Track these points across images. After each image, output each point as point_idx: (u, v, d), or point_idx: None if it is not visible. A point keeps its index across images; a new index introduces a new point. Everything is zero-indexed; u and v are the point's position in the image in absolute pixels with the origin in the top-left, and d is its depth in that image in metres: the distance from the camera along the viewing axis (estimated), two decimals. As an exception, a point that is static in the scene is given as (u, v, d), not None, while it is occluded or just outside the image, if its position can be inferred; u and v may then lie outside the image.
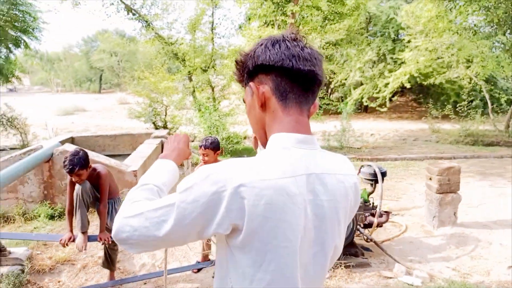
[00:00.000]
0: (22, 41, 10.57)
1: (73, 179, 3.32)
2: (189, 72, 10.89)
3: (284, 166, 0.92)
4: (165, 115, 11.33)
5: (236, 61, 1.06)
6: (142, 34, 11.53)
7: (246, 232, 0.89)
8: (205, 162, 3.68)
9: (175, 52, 11.03)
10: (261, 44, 0.99)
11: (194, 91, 10.89)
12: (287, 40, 0.97)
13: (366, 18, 18.89)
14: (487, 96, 12.05)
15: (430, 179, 4.80)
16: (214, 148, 3.68)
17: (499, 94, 12.95)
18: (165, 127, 11.14)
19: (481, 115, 11.88)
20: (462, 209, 4.97)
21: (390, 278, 3.70)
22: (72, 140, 8.05)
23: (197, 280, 3.82)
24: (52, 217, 5.18)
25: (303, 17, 11.01)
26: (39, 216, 5.12)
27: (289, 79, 0.96)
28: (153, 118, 11.06)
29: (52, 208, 5.23)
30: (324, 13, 10.85)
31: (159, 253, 4.32)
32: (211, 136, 3.80)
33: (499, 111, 12.44)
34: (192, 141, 11.09)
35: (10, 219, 5.13)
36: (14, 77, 10.50)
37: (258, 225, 0.88)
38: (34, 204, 5.28)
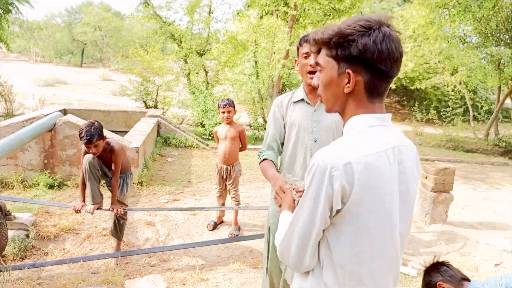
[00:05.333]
0: (14, 6, 10.17)
1: (90, 151, 3.32)
2: (185, 54, 10.80)
3: (376, 141, 1.09)
4: (157, 95, 11.23)
5: (328, 37, 1.11)
6: (139, 11, 11.33)
7: (352, 201, 1.04)
8: (228, 118, 4.27)
9: (172, 33, 10.91)
10: (368, 34, 1.05)
11: (189, 74, 10.82)
12: (392, 39, 1.05)
13: (359, 17, 19.14)
14: (469, 104, 12.51)
15: (426, 177, 5.03)
16: (233, 105, 4.32)
17: (480, 103, 13.50)
18: (155, 107, 11.05)
19: (462, 122, 12.38)
20: (450, 209, 5.24)
21: (387, 267, 3.90)
22: (64, 112, 7.90)
23: (201, 256, 3.91)
24: (51, 187, 5.14)
25: (304, 10, 11.07)
26: (38, 185, 5.07)
27: (383, 79, 1.09)
28: (144, 97, 10.95)
29: (52, 178, 5.18)
30: (324, 8, 10.94)
31: (162, 229, 4.39)
32: (225, 97, 4.45)
33: (479, 119, 12.96)
34: (181, 123, 11.07)
35: (9, 185, 5.05)
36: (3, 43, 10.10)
37: (364, 194, 1.04)
38: (34, 172, 5.21)
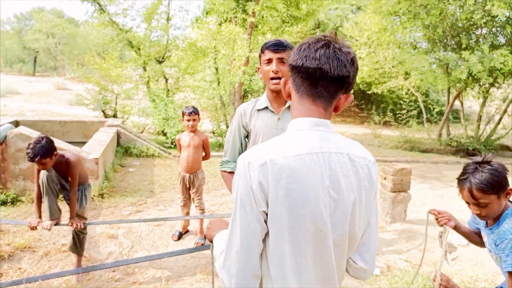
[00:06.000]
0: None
1: (37, 167, 3.20)
2: (144, 61, 10.61)
3: (300, 144, 1.09)
4: (116, 104, 10.95)
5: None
6: (94, 18, 11.01)
7: (271, 203, 1.05)
8: (192, 126, 4.23)
9: (130, 40, 10.68)
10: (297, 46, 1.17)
11: (148, 81, 10.63)
12: (312, 43, 1.13)
13: (315, 24, 19.64)
14: (422, 107, 13.10)
15: (385, 178, 5.21)
16: (198, 113, 4.29)
17: (432, 105, 14.20)
18: (115, 116, 10.77)
19: (416, 124, 12.96)
20: (409, 208, 5.45)
21: (352, 268, 3.99)
22: (16, 124, 7.52)
23: (167, 268, 3.83)
24: (4, 203, 4.86)
25: (263, 17, 11.21)
26: (-11, 202, 4.79)
27: (300, 75, 1.13)
28: (102, 106, 10.63)
29: (4, 194, 4.90)
30: (282, 15, 11.13)
31: (126, 242, 4.26)
32: (190, 105, 4.49)
33: (432, 120, 13.61)
34: (142, 132, 10.85)
35: (-44, 204, 4.74)
36: None
37: (282, 196, 1.05)
38: (-16, 188, 4.92)
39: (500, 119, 11.94)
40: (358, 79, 13.36)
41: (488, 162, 1.83)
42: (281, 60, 2.14)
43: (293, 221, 1.06)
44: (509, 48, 9.89)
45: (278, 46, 2.14)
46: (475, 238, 2.18)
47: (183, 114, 4.26)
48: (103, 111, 10.62)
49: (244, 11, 10.92)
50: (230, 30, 10.21)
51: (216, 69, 11.14)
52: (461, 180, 1.86)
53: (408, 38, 12.96)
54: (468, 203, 1.90)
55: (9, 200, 4.90)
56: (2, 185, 4.97)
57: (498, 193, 1.81)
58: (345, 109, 18.97)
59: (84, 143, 6.78)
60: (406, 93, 13.07)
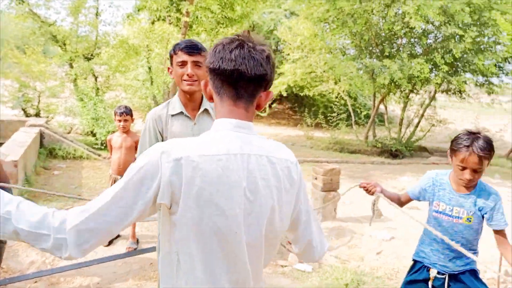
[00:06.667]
0: None
1: None
2: (70, 58, 9.98)
3: (219, 144, 1.10)
4: (38, 102, 10.18)
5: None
6: (12, 8, 10.14)
7: (183, 201, 1.05)
8: (124, 127, 4.07)
9: (54, 34, 9.99)
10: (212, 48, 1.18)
11: (76, 79, 10.03)
12: (226, 44, 1.14)
13: (250, 26, 19.88)
14: (351, 110, 13.84)
15: (316, 178, 5.43)
16: (131, 113, 4.15)
17: (360, 109, 15.07)
18: (37, 115, 10.01)
19: (346, 126, 13.65)
20: (338, 207, 5.72)
21: (286, 266, 4.10)
22: None
23: (96, 275, 3.65)
24: None
25: (197, 17, 11.11)
26: None
27: (219, 77, 1.14)
28: (23, 104, 9.83)
29: None
30: (217, 16, 11.12)
31: (49, 251, 3.98)
32: (122, 104, 4.25)
33: (360, 123, 14.44)
34: (69, 133, 10.21)
35: None
36: None
37: (195, 195, 1.04)
38: None
39: (418, 123, 12.98)
40: (291, 82, 13.77)
41: (479, 133, 2.06)
42: (196, 64, 2.10)
43: (205, 221, 1.06)
44: (425, 57, 10.79)
45: (193, 49, 2.09)
46: (398, 201, 2.39)
47: (115, 114, 4.12)
48: (23, 110, 9.82)
49: (178, 10, 10.75)
50: (164, 29, 10.00)
51: (149, 68, 10.83)
52: (465, 147, 2.02)
53: (338, 44, 13.65)
54: (463, 168, 2.05)
55: None
56: None
57: (490, 159, 2.06)
58: (279, 112, 19.44)
59: (1, 144, 6.22)
60: (336, 97, 13.72)
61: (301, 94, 15.14)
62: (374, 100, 13.34)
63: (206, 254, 1.08)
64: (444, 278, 2.27)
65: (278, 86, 13.77)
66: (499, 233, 2.19)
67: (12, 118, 8.25)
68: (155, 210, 1.09)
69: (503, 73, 11.94)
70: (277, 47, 18.44)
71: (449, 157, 2.19)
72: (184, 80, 2.11)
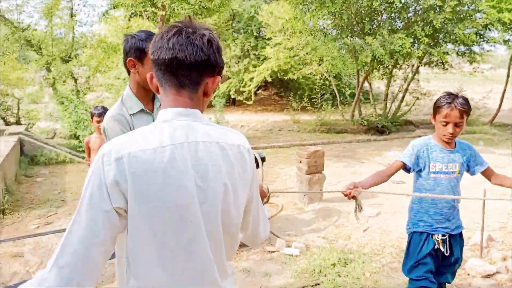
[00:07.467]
0: None
1: None
2: (47, 62, 9.81)
3: (163, 135, 1.07)
4: (18, 110, 10.04)
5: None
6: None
7: (132, 199, 1.02)
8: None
9: (28, 39, 9.80)
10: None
11: (54, 82, 9.88)
12: (165, 32, 1.11)
13: (230, 15, 19.64)
14: (335, 90, 13.81)
15: (300, 162, 5.43)
16: None
17: (344, 88, 15.03)
18: (18, 123, 9.88)
19: (331, 107, 13.64)
20: (325, 187, 5.75)
21: (274, 252, 4.12)
22: None
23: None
24: None
25: (174, 10, 10.94)
26: None
27: (159, 68, 1.12)
28: (2, 113, 9.70)
29: None
30: (194, 7, 10.96)
31: (33, 259, 3.96)
32: (99, 105, 4.31)
33: (345, 103, 14.41)
34: (52, 138, 10.11)
35: None
36: None
37: (142, 191, 1.02)
38: None
39: (403, 97, 13.00)
40: (275, 67, 13.67)
41: (457, 93, 2.34)
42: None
43: (156, 215, 1.04)
44: (406, 32, 10.75)
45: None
46: (383, 177, 2.52)
47: (92, 115, 4.08)
48: (3, 119, 9.70)
49: (154, 4, 10.56)
50: (140, 24, 9.86)
51: (130, 65, 10.67)
52: (447, 103, 2.29)
53: (318, 25, 13.53)
54: (446, 123, 2.31)
55: None
56: None
57: (468, 115, 2.35)
58: (266, 98, 19.36)
59: (-20, 155, 6.12)
60: (321, 79, 13.67)
61: (286, 78, 15.06)
62: (358, 78, 13.31)
63: (159, 249, 1.06)
64: (446, 239, 2.45)
65: (262, 72, 13.68)
66: (487, 171, 2.50)
67: (-10, 128, 8.14)
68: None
69: (484, 40, 11.95)
70: (258, 33, 18.28)
71: (431, 118, 2.45)
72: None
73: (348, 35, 12.37)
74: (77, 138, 9.10)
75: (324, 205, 5.33)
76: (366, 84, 13.53)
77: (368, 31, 11.35)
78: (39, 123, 10.44)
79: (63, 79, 10.47)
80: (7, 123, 9.68)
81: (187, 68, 1.09)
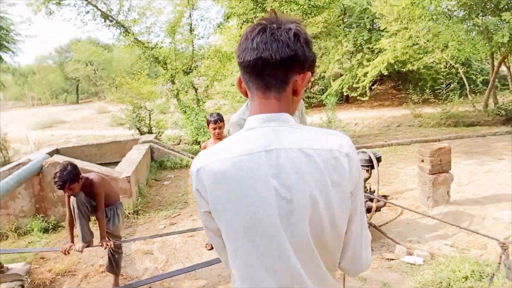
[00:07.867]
0: (-3, 56, 10.28)
1: (66, 193, 3.29)
2: (171, 75, 10.81)
3: (243, 145, 1.01)
4: (149, 120, 11.25)
5: None
6: (120, 40, 11.38)
7: (212, 210, 1.03)
8: (219, 134, 4.14)
9: (156, 56, 10.93)
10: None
11: (178, 93, 10.83)
12: (249, 32, 1.03)
13: (341, 10, 19.09)
14: (464, 78, 12.32)
15: (422, 161, 4.90)
16: (223, 119, 4.21)
17: (475, 75, 13.30)
18: (150, 132, 11.06)
19: (459, 97, 12.19)
20: (453, 188, 5.09)
21: (392, 259, 3.77)
22: (57, 152, 7.90)
23: (202, 278, 3.82)
24: (46, 230, 5.09)
25: (283, 12, 11.04)
26: (32, 230, 5.02)
27: (245, 70, 1.04)
28: (137, 124, 10.97)
29: (46, 221, 5.13)
30: (303, 7, 10.91)
31: (161, 256, 4.30)
32: (214, 112, 4.34)
33: (476, 91, 12.76)
34: (178, 144, 11.05)
35: (3, 236, 5.01)
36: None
37: (221, 202, 1.01)
38: (26, 218, 5.17)
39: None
40: (391, 59, 12.78)
41: None
42: None
43: (235, 228, 1.01)
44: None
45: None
46: None
47: (208, 122, 4.18)
48: (138, 129, 10.95)
49: (263, 9, 10.82)
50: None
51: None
52: None
53: (440, 8, 12.23)
54: None
55: (50, 227, 5.13)
56: (43, 213, 5.21)
57: None
58: (382, 93, 18.31)
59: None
60: (445, 67, 12.33)
61: (404, 70, 13.97)
62: (493, 62, 11.67)
63: (245, 260, 1.03)
64: None
65: (377, 66, 12.90)
66: None
67: (128, 138, 9.23)
68: None
69: None
70: (372, 26, 17.40)
71: None
72: None
73: (478, 14, 10.93)
74: (199, 143, 9.81)
75: (452, 208, 4.72)
76: (503, 68, 11.77)
77: (505, 6, 9.81)
78: (167, 131, 11.54)
79: (185, 90, 11.40)
80: (141, 133, 10.92)
81: (273, 67, 1.00)
